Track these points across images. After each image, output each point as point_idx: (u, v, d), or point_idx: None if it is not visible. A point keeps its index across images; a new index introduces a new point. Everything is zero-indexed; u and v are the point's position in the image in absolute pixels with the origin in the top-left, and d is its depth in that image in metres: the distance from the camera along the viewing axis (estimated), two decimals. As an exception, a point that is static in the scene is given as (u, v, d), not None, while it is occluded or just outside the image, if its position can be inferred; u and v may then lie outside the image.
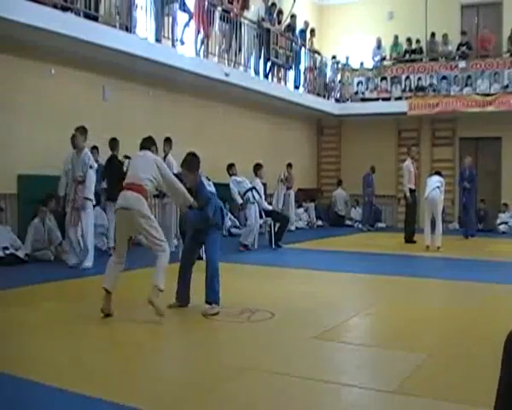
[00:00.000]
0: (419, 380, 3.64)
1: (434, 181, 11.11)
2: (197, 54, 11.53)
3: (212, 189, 6.09)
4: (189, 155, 5.50)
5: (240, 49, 12.84)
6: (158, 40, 10.31)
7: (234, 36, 12.52)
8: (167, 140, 9.96)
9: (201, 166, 5.55)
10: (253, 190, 10.91)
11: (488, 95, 15.28)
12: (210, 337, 4.75)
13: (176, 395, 3.41)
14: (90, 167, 7.92)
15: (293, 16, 15.03)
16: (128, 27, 9.77)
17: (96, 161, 9.92)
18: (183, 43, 11.19)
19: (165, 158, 9.85)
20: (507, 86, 15.22)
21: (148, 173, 5.09)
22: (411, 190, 12.02)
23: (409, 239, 12.12)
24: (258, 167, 11.37)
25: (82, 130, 7.91)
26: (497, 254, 10.82)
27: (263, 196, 11.29)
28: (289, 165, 14.77)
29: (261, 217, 10.95)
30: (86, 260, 7.94)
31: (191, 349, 4.50)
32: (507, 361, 2.13)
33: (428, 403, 3.29)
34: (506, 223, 15.41)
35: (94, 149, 9.93)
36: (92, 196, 8.03)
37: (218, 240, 5.50)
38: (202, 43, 11.67)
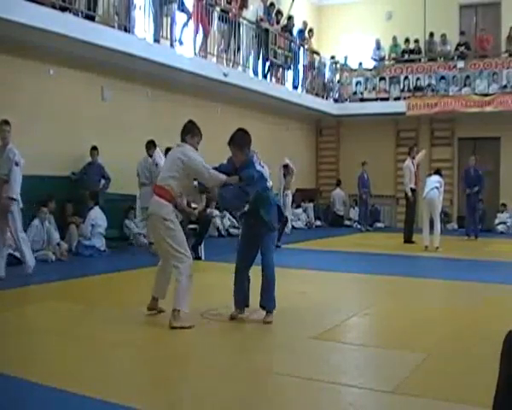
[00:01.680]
0: (419, 380, 3.65)
1: (433, 181, 11.09)
2: (196, 54, 11.53)
3: (265, 173, 5.50)
4: (239, 130, 5.00)
5: (238, 49, 12.83)
6: (156, 40, 10.31)
7: (232, 36, 12.51)
8: (150, 143, 9.96)
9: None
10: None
11: (487, 95, 15.29)
12: (209, 338, 4.74)
13: (175, 395, 3.41)
14: (16, 164, 6.97)
15: (290, 18, 15.02)
16: (127, 27, 9.77)
17: (96, 160, 9.98)
18: (181, 43, 11.18)
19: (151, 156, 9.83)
20: (505, 86, 15.23)
21: (171, 171, 4.88)
22: (412, 190, 12.01)
23: (407, 239, 12.12)
24: (258, 167, 11.36)
25: (9, 124, 7.14)
26: (496, 254, 10.83)
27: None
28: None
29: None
30: (26, 266, 7.21)
31: (190, 350, 4.50)
32: (507, 355, 2.13)
33: (428, 403, 3.29)
34: (504, 223, 15.42)
35: (94, 149, 9.95)
36: (18, 196, 6.98)
37: (273, 242, 5.20)
38: (201, 43, 11.66)
